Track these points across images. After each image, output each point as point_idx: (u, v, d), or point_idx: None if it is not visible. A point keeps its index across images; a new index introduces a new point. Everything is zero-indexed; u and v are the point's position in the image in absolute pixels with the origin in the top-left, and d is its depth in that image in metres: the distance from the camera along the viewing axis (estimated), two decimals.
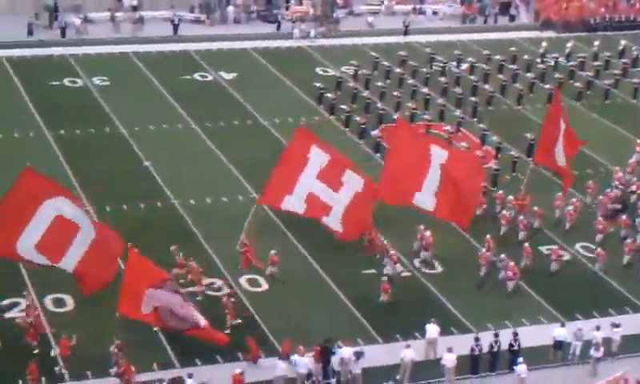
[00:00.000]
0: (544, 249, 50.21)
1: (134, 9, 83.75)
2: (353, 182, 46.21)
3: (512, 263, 46.90)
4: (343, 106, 65.39)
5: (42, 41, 77.55)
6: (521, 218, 51.35)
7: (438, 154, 47.75)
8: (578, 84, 72.45)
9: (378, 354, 41.46)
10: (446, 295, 46.27)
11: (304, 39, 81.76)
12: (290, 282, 46.43)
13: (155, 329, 40.83)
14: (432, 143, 49.21)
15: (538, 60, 77.51)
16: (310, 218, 46.73)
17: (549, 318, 45.06)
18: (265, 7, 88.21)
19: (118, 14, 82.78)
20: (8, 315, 42.31)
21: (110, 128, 62.05)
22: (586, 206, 54.10)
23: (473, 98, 68.42)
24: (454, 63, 75.59)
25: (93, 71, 71.18)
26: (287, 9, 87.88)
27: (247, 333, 41.56)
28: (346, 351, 40.02)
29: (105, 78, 70.21)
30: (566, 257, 49.96)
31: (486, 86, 71.07)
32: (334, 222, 46.14)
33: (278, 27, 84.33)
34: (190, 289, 43.83)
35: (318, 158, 46.38)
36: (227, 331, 41.03)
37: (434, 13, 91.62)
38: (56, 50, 75.55)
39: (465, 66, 75.16)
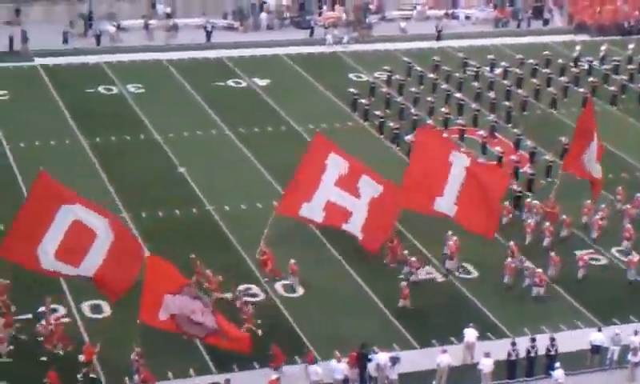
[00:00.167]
0: (580, 253, 50.01)
1: (168, 16, 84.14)
2: (369, 188, 46.08)
3: (539, 270, 46.62)
4: (377, 112, 65.40)
5: (77, 49, 78.10)
6: (547, 224, 50.85)
7: (460, 160, 47.53)
8: (612, 88, 72.14)
9: (415, 360, 41.40)
10: (482, 300, 46.15)
11: (337, 45, 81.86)
12: (326, 287, 46.52)
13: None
14: (454, 149, 48.85)
15: (572, 64, 77.23)
16: (328, 226, 46.60)
17: (586, 322, 44.84)
18: (298, 13, 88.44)
19: (151, 22, 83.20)
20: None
21: (144, 135, 62.39)
22: (615, 212, 53.51)
23: (506, 103, 68.24)
24: (488, 68, 75.45)
25: (127, 78, 71.61)
26: (320, 15, 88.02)
27: (274, 340, 41.61)
28: (382, 357, 40.01)
29: (139, 85, 70.62)
30: (603, 261, 49.73)
31: (520, 91, 70.84)
32: (354, 229, 46.09)
33: (311, 33, 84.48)
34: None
35: (336, 164, 46.29)
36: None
37: (467, 17, 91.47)
38: (91, 58, 76.07)
39: (498, 70, 74.98)
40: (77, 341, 40.94)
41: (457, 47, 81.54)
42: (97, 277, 40.09)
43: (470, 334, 41.88)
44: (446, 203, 47.09)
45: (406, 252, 47.80)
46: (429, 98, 67.89)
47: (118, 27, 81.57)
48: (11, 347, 40.42)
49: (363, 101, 67.32)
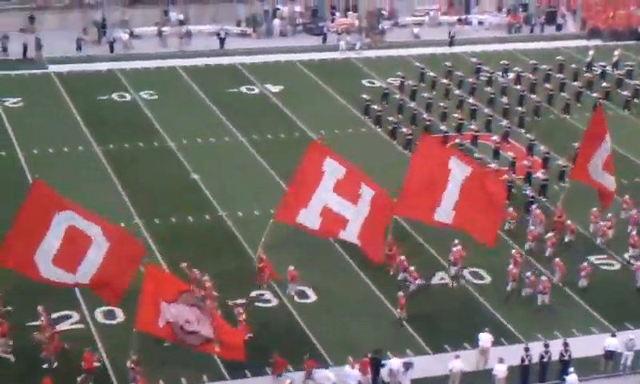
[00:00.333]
0: (593, 258, 49.94)
1: (181, 23, 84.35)
2: (367, 195, 46.06)
3: (544, 277, 46.41)
4: (390, 118, 65.41)
5: (91, 56, 78.41)
6: (549, 234, 50.35)
7: (459, 168, 47.35)
8: (625, 92, 72.00)
9: (427, 365, 41.36)
10: (495, 305, 46.08)
11: (350, 51, 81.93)
12: (339, 293, 46.52)
13: None
14: (452, 157, 48.59)
15: (585, 69, 77.12)
16: (323, 236, 46.41)
17: (599, 328, 44.73)
18: (310, 20, 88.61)
19: (164, 29, 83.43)
20: (59, 328, 42.65)
21: (157, 141, 62.56)
22: (620, 219, 53.04)
23: (519, 108, 68.19)
24: (500, 73, 75.41)
25: (141, 85, 71.83)
26: (333, 21, 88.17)
27: (286, 345, 41.64)
28: (395, 362, 40.01)
29: (152, 92, 70.82)
30: (616, 266, 49.63)
31: (533, 96, 70.78)
32: (351, 236, 46.01)
33: (324, 39, 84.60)
34: None
35: (333, 170, 46.24)
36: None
37: (480, 23, 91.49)
38: (104, 65, 76.35)
39: (511, 75, 74.95)
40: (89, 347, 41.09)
41: (470, 53, 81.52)
42: (93, 282, 40.29)
43: (485, 338, 41.85)
44: (444, 211, 47.01)
45: (402, 257, 47.49)
46: (441, 104, 67.94)
47: (131, 34, 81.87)
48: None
49: (376, 106, 67.35)
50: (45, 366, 39.95)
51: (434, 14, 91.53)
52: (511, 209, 52.30)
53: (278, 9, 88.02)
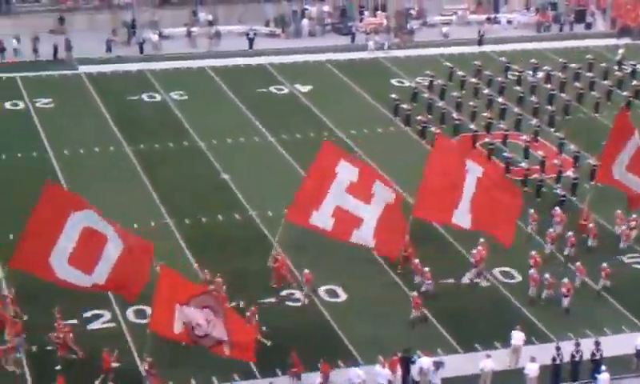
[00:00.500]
0: (624, 258, 49.74)
1: (210, 24, 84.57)
2: (382, 194, 45.81)
3: (565, 279, 46.13)
4: (419, 117, 65.37)
5: (121, 57, 78.76)
6: (569, 233, 49.99)
7: (474, 169, 47.24)
8: None
9: (458, 364, 41.30)
10: (526, 305, 45.96)
11: (378, 51, 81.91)
12: (369, 292, 46.55)
13: None
14: (469, 158, 48.52)
15: (615, 67, 76.82)
16: (336, 238, 46.11)
17: (631, 327, 44.55)
18: (339, 20, 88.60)
19: (193, 29, 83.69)
20: (90, 327, 43.01)
21: (187, 141, 62.77)
22: None
23: (549, 107, 67.99)
24: (530, 72, 75.21)
25: (170, 86, 72.08)
26: (361, 21, 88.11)
27: (316, 344, 41.79)
28: (425, 361, 39.99)
29: (182, 92, 71.06)
30: None
31: (563, 95, 70.57)
32: (366, 235, 45.59)
33: (353, 39, 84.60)
34: None
35: (346, 171, 45.90)
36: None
37: (509, 22, 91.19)
38: (134, 66, 76.67)
39: (540, 74, 74.72)
40: (121, 347, 41.43)
41: (499, 52, 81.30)
42: (109, 282, 40.25)
43: (517, 336, 41.78)
44: (462, 214, 46.84)
45: (417, 260, 47.33)
46: (471, 103, 67.83)
47: (161, 35, 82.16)
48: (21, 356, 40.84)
49: (405, 106, 67.32)
50: (57, 367, 40.03)
51: (463, 13, 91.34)
52: (532, 210, 52.05)
53: (307, 9, 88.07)
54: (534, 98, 69.19)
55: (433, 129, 63.47)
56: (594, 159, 59.12)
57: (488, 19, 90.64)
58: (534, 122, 65.58)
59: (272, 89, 72.93)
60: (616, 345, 42.48)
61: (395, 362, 40.00)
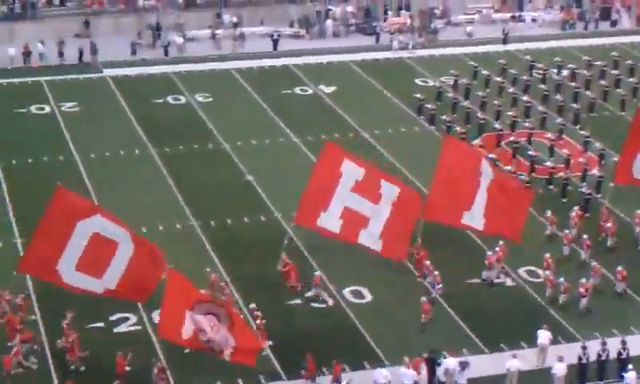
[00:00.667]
0: None
1: (235, 26, 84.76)
2: (390, 193, 45.13)
3: (583, 280, 45.71)
4: (443, 116, 65.30)
5: (145, 60, 79.01)
6: (585, 236, 49.60)
7: (487, 172, 46.86)
8: None
9: (484, 365, 41.26)
10: (552, 304, 45.83)
11: (403, 50, 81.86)
12: (394, 293, 46.54)
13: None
14: (483, 160, 48.23)
15: None
16: (344, 240, 45.60)
17: None
18: (363, 20, 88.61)
19: (218, 32, 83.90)
20: (116, 330, 43.23)
21: (212, 143, 62.94)
22: None
23: (574, 105, 67.76)
24: (555, 70, 74.98)
25: (195, 88, 72.27)
26: (385, 21, 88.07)
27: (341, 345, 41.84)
28: (451, 362, 39.97)
29: (207, 94, 71.25)
30: None
31: (588, 93, 70.32)
32: (372, 236, 44.71)
33: (377, 39, 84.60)
34: None
35: (351, 171, 45.20)
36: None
37: (533, 20, 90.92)
38: (159, 69, 76.88)
39: (565, 72, 74.47)
40: (145, 349, 41.59)
41: (523, 50, 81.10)
42: (119, 287, 39.83)
43: (544, 335, 41.68)
44: (474, 216, 46.42)
45: (427, 262, 47.20)
46: (495, 102, 67.69)
47: (185, 37, 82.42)
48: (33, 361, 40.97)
49: (429, 105, 67.27)
50: (72, 367, 40.35)
51: (487, 12, 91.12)
52: (550, 212, 51.88)
53: (330, 9, 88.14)
54: (558, 96, 68.99)
55: (458, 128, 63.38)
56: (619, 157, 58.81)
57: (512, 17, 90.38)
58: (559, 120, 65.39)
59: (297, 90, 73.01)
60: None
61: (418, 362, 39.92)
